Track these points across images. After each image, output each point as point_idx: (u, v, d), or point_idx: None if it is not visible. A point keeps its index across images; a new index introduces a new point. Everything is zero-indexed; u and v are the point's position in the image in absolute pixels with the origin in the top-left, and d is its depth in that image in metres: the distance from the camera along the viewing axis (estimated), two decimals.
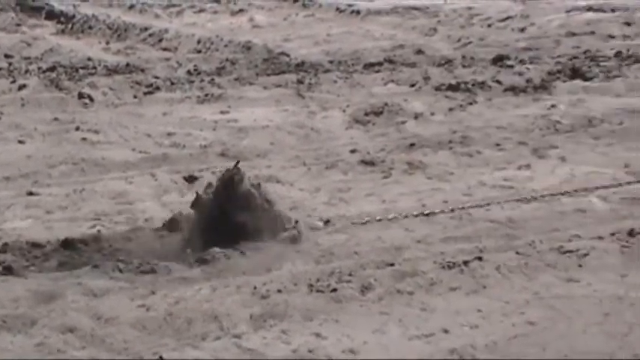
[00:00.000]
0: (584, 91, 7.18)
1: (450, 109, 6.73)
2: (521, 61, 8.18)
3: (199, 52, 9.43)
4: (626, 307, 3.47)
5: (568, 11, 10.73)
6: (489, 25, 10.36)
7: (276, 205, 4.22)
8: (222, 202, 4.10)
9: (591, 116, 6.41)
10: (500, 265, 3.82)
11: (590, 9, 10.81)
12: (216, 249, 3.99)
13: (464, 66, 8.11)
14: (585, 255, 3.92)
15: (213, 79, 7.62)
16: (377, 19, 10.98)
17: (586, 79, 7.47)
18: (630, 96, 7.03)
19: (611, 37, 9.44)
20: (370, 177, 5.26)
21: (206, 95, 7.08)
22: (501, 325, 3.35)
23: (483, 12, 10.95)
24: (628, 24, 9.98)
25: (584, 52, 8.57)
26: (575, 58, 8.32)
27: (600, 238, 4.12)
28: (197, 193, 4.22)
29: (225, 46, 9.41)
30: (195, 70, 8.12)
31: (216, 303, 3.47)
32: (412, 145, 5.84)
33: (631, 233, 4.15)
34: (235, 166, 4.18)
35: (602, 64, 8.01)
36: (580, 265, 3.85)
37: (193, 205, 4.20)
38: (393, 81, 7.60)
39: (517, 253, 3.96)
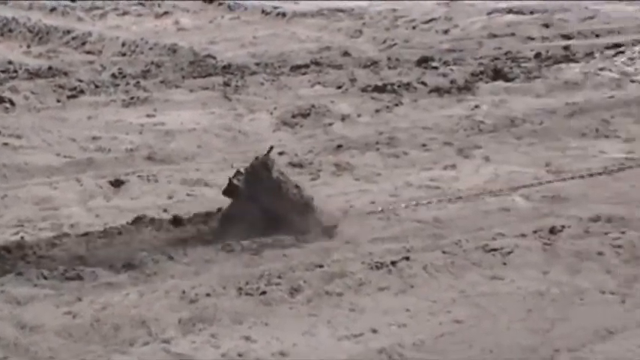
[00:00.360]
0: (505, 91, 7.31)
1: (377, 111, 6.79)
2: (446, 63, 8.29)
3: (124, 55, 9.31)
4: (548, 303, 3.56)
5: (489, 13, 10.92)
6: (414, 27, 10.48)
7: (306, 192, 4.30)
8: (253, 189, 4.17)
9: (513, 116, 6.54)
10: (427, 265, 3.88)
11: (510, 11, 11.01)
12: (144, 253, 3.97)
13: (389, 67, 8.18)
14: (509, 253, 4.01)
15: (138, 82, 7.53)
16: (302, 21, 11.00)
17: (508, 80, 7.61)
18: (550, 96, 7.19)
19: (531, 38, 9.63)
20: (298, 179, 5.25)
21: (132, 98, 7.00)
22: (429, 323, 3.40)
23: (407, 14, 11.06)
24: (546, 26, 10.21)
25: (506, 54, 8.73)
26: (496, 59, 8.47)
27: (523, 235, 4.22)
28: (230, 179, 4.25)
29: (151, 49, 9.31)
30: (120, 73, 8.02)
31: (143, 308, 3.44)
32: (339, 146, 5.88)
33: (552, 231, 4.25)
34: (268, 152, 4.26)
35: (522, 65, 8.17)
36: (504, 263, 3.94)
37: (226, 191, 4.24)
38: (319, 83, 7.63)
39: (444, 252, 4.02)
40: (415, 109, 6.88)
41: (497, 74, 7.76)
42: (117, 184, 5.07)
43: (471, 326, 3.37)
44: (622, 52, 8.10)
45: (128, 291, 3.61)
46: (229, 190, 4.25)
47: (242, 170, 4.29)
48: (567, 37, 9.62)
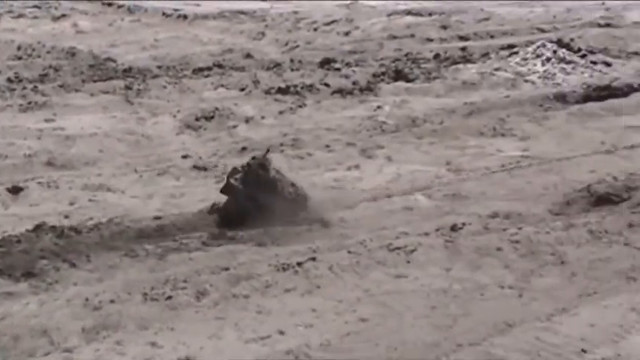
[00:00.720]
0: (406, 92, 7.44)
1: (280, 112, 6.81)
2: (348, 64, 8.38)
3: (20, 58, 9.06)
4: (451, 300, 3.64)
5: (389, 15, 11.09)
6: (315, 29, 10.55)
7: (302, 190, 4.49)
8: (251, 187, 4.37)
9: (414, 116, 6.66)
10: (333, 265, 3.91)
11: (409, 13, 11.21)
12: (44, 261, 3.89)
13: (292, 69, 8.22)
14: (413, 251, 4.08)
15: (36, 87, 7.36)
16: (204, 23, 10.94)
17: (408, 81, 7.74)
18: (449, 96, 7.35)
19: (430, 40, 9.82)
20: (203, 182, 5.26)
21: (29, 103, 6.83)
22: (335, 323, 3.44)
23: (309, 16, 11.14)
24: (444, 27, 10.43)
25: (406, 55, 8.87)
26: (397, 60, 8.60)
27: (426, 234, 4.30)
28: (227, 178, 4.43)
29: (48, 52, 9.10)
30: (16, 77, 7.81)
31: (44, 317, 3.37)
32: (244, 148, 5.87)
33: (454, 228, 4.34)
34: (266, 153, 4.49)
35: (422, 66, 8.32)
36: (408, 261, 4.00)
37: (223, 190, 4.44)
38: (222, 85, 7.61)
39: (349, 252, 4.06)
40: (318, 110, 6.93)
41: (398, 75, 7.88)
42: (15, 191, 4.95)
43: (377, 324, 3.42)
44: (516, 53, 8.33)
45: (28, 300, 3.53)
46: (227, 189, 4.44)
47: (239, 168, 4.47)
48: (464, 38, 9.85)
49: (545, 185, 5.09)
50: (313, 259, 3.95)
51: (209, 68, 8.27)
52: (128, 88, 7.37)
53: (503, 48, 8.75)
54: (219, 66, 8.36)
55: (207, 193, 5.03)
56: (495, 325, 3.39)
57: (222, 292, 3.65)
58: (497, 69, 8.06)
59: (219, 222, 4.40)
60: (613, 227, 4.30)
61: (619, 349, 3.22)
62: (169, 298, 3.58)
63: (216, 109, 6.66)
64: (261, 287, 3.71)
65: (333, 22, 10.81)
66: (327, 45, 9.66)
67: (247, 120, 6.57)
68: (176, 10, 11.48)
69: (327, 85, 7.54)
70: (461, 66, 8.26)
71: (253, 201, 4.38)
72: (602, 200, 4.70)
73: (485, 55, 8.57)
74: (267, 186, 4.42)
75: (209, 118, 6.52)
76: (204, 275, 3.78)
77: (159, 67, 8.36)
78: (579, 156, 5.67)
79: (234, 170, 4.49)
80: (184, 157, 5.70)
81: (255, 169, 4.44)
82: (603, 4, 11.96)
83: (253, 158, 4.52)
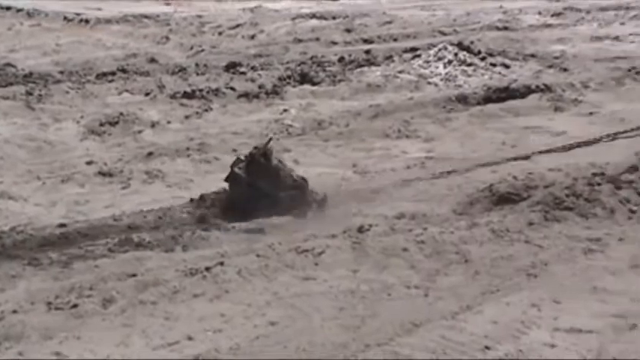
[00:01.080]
0: (312, 95, 7.50)
1: (186, 117, 6.78)
2: (253, 68, 8.39)
3: None
4: (359, 301, 3.68)
5: (294, 19, 11.16)
6: (220, 33, 10.52)
7: (302, 179, 4.67)
8: (254, 176, 4.54)
9: (320, 119, 6.71)
10: (241, 269, 3.91)
11: (313, 16, 11.30)
12: None
13: (197, 73, 8.18)
14: (320, 253, 4.11)
15: None
16: (107, 27, 10.78)
17: (314, 84, 7.80)
18: (354, 99, 7.44)
19: (334, 43, 9.92)
20: (109, 188, 5.19)
21: None
22: (244, 327, 3.44)
23: (214, 20, 11.10)
24: (348, 31, 10.55)
25: (311, 58, 8.93)
26: (303, 63, 8.65)
27: (334, 236, 4.33)
28: (231, 167, 4.60)
29: None
30: None
31: None
32: (150, 154, 5.82)
33: (360, 230, 4.39)
34: (267, 143, 4.64)
35: (327, 69, 8.40)
36: (316, 264, 4.03)
37: (228, 179, 4.61)
38: (127, 90, 7.52)
39: (257, 255, 4.07)
40: (224, 114, 6.92)
41: (304, 78, 7.94)
42: None
43: (286, 327, 3.44)
44: (418, 56, 8.48)
45: None
46: (231, 178, 4.60)
47: (242, 158, 4.65)
48: (368, 41, 9.99)
49: (449, 186, 5.19)
50: (222, 263, 3.95)
51: (113, 73, 8.15)
52: (29, 93, 7.21)
53: (406, 51, 8.90)
54: (123, 71, 8.25)
55: (113, 199, 4.98)
56: (402, 325, 3.45)
57: (129, 298, 3.61)
58: (400, 71, 8.19)
59: (223, 210, 4.54)
60: (514, 226, 4.43)
61: (520, 344, 3.32)
62: (75, 306, 3.52)
63: (121, 114, 6.58)
64: (169, 293, 3.68)
65: (237, 26, 10.81)
66: (233, 49, 9.65)
67: (153, 125, 6.51)
68: (78, 14, 11.28)
69: (232, 89, 7.54)
70: (365, 69, 8.37)
71: (256, 188, 4.56)
72: (504, 199, 4.83)
73: (389, 57, 8.70)
74: (270, 175, 4.60)
75: (113, 124, 6.44)
76: (110, 282, 3.74)
77: (61, 72, 8.20)
78: (481, 156, 5.81)
79: (238, 160, 4.68)
80: (89, 163, 5.61)
81: (258, 158, 4.61)
82: (501, 7, 12.30)
83: (255, 148, 4.68)
